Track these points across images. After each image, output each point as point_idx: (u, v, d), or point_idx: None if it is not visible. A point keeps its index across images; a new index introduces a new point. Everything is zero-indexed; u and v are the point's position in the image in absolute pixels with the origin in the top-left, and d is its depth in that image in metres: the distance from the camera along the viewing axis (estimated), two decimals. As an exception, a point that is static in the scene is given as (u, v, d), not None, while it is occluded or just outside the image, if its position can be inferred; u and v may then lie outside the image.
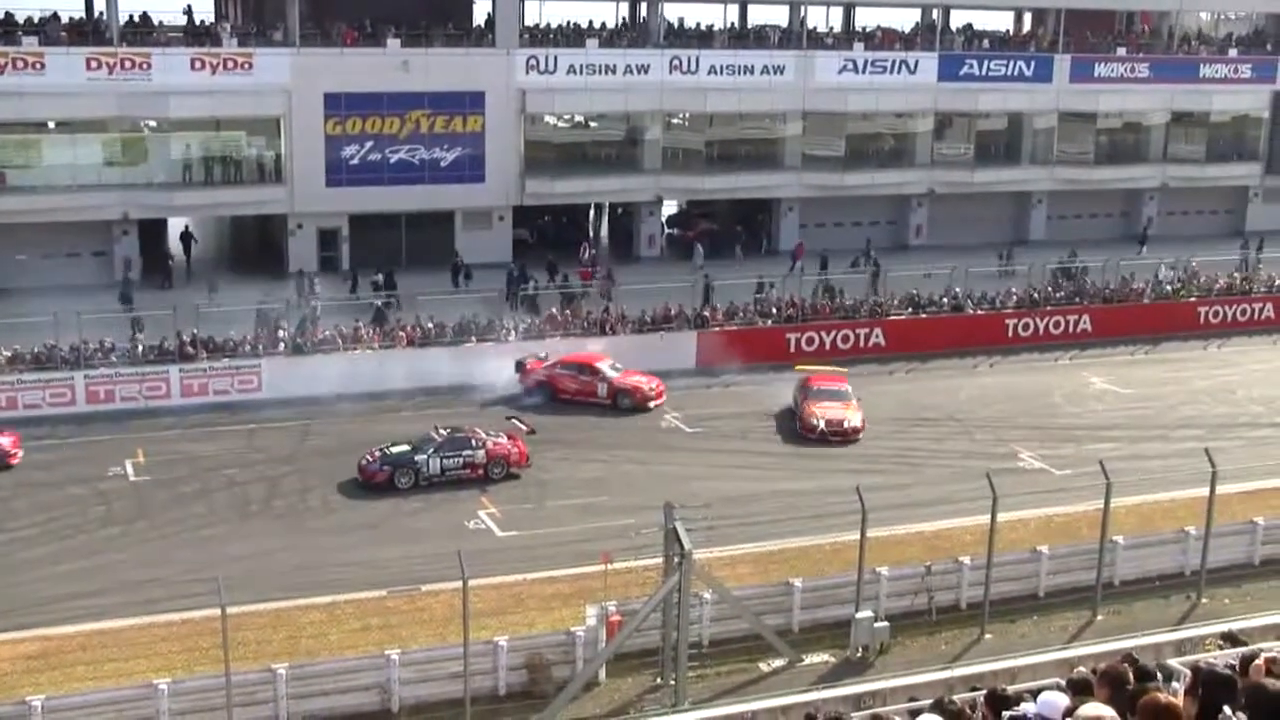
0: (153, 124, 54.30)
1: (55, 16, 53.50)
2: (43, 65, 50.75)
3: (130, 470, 36.56)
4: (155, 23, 54.92)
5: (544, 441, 37.96)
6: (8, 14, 52.66)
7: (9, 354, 40.91)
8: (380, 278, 49.71)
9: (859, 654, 27.02)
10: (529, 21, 60.38)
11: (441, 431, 36.56)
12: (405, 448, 35.95)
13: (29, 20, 52.86)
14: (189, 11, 57.45)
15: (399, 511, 34.16)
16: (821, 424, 39.70)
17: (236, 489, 35.39)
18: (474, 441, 36.20)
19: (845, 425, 39.84)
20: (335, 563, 30.70)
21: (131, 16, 54.15)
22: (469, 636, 24.31)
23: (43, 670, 25.65)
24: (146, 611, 28.17)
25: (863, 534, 27.00)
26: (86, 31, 53.47)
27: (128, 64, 51.81)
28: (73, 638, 27.13)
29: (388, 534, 32.73)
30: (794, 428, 40.54)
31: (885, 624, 27.43)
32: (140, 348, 42.01)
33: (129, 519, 33.39)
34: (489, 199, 57.25)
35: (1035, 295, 51.46)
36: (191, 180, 54.32)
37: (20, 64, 50.51)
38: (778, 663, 26.90)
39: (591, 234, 60.89)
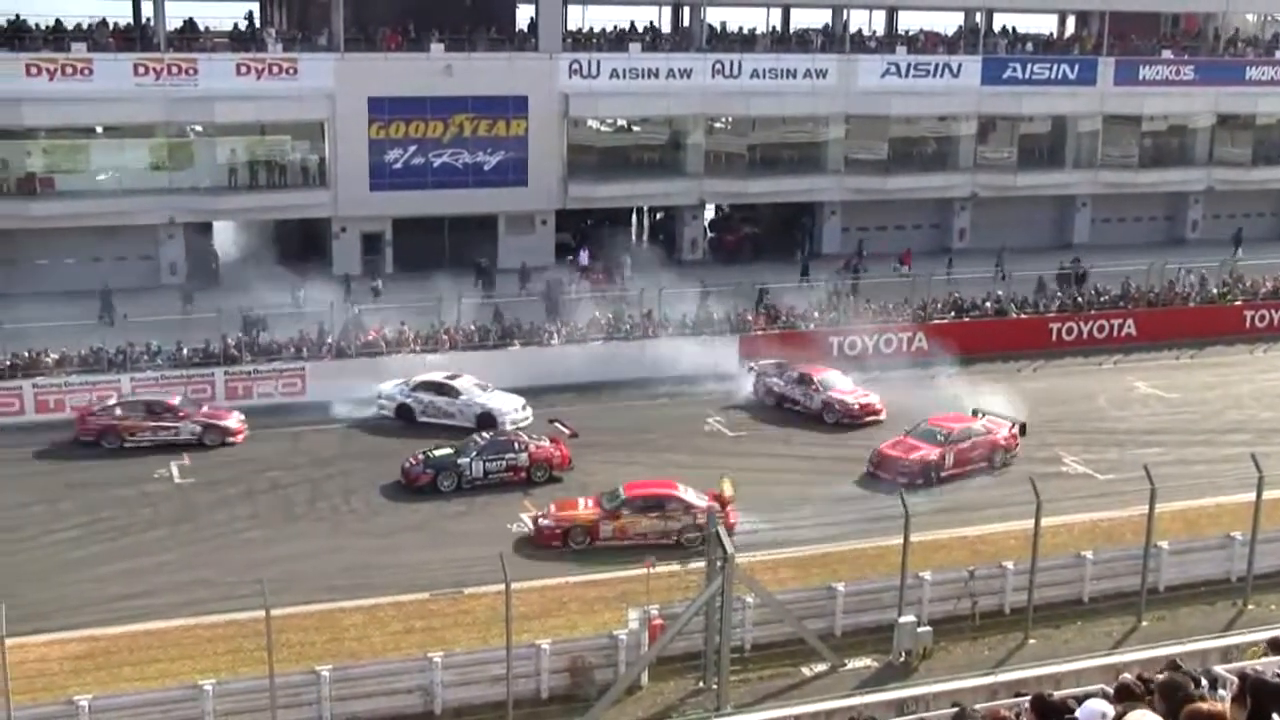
0: (198, 129, 54.78)
1: (104, 23, 54.19)
2: (91, 71, 51.27)
3: (175, 473, 36.86)
4: (201, 29, 55.37)
5: (586, 445, 37.99)
6: (57, 21, 53.30)
7: (57, 356, 41.31)
8: (379, 283, 49.77)
9: (901, 659, 26.94)
10: (572, 26, 60.52)
11: (484, 435, 36.68)
12: (448, 451, 36.09)
13: (78, 27, 53.52)
14: (250, 18, 57.89)
15: (442, 514, 34.31)
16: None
17: (280, 492, 35.62)
18: (517, 445, 36.32)
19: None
20: (378, 565, 30.86)
21: (184, 22, 54.68)
22: (511, 639, 24.39)
23: (90, 670, 25.88)
24: (192, 613, 28.43)
25: (906, 538, 26.93)
26: (134, 38, 54.09)
27: (174, 70, 52.28)
28: (119, 638, 27.40)
29: (430, 537, 32.88)
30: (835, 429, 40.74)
31: (928, 629, 27.36)
32: (185, 350, 42.33)
33: (174, 521, 33.66)
34: (531, 203, 57.40)
35: (1079, 299, 51.16)
36: (236, 185, 54.73)
37: (69, 70, 51.04)
38: (820, 667, 26.85)
39: (583, 238, 60.53)
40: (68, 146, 53.99)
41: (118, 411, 38.90)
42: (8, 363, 40.97)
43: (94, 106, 52.06)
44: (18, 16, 53.26)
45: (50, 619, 27.62)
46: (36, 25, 53.31)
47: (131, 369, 41.24)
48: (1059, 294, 52.34)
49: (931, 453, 36.16)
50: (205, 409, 39.60)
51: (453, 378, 41.49)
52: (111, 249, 52.57)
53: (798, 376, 42.87)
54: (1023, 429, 38.20)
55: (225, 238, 57.81)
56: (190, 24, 55.14)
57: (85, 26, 53.78)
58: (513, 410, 40.47)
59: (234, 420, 39.33)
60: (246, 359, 42.40)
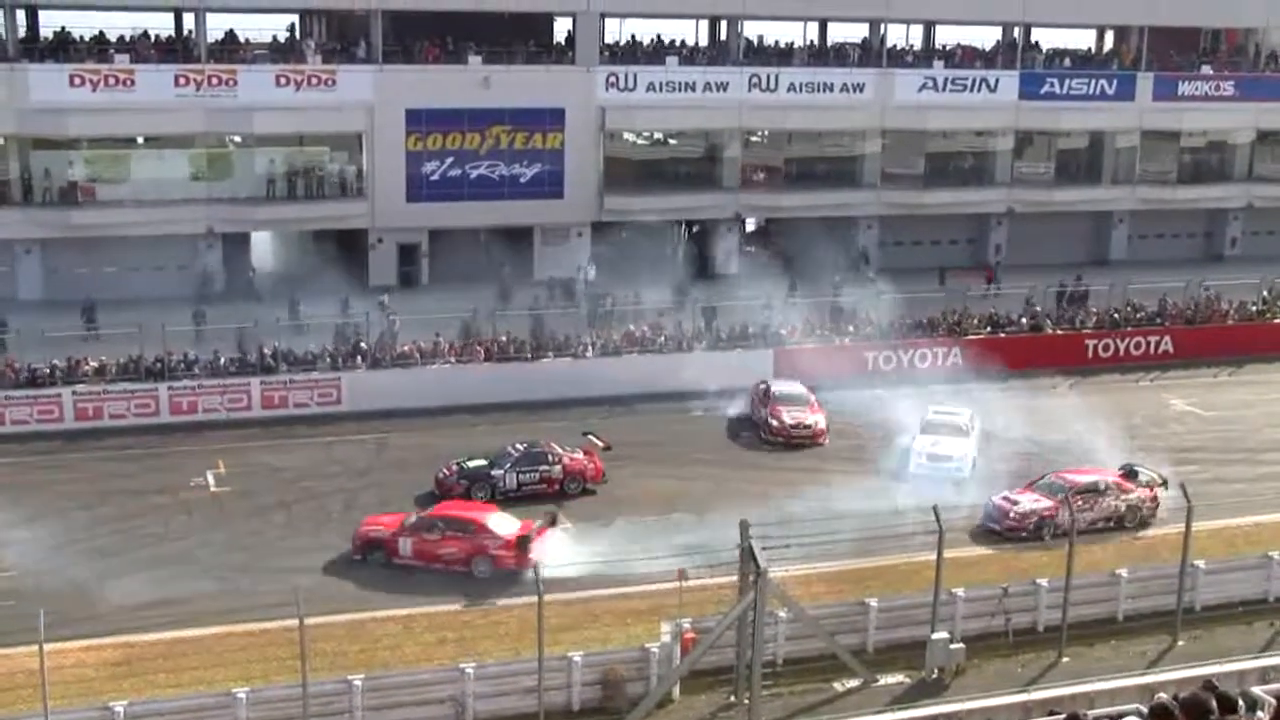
0: (238, 139, 55.14)
1: (146, 35, 54.62)
2: (133, 82, 51.67)
3: (211, 481, 37.11)
4: (241, 40, 55.74)
5: (619, 457, 38.06)
6: (100, 33, 53.76)
7: (96, 364, 41.65)
8: (385, 298, 49.88)
9: (934, 675, 26.87)
10: (609, 39, 60.64)
11: (518, 446, 36.77)
12: (482, 462, 36.20)
13: (120, 38, 53.92)
14: (290, 29, 58.23)
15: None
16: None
17: (315, 501, 35.80)
18: (550, 456, 36.38)
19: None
20: (411, 575, 30.95)
21: (224, 34, 55.10)
22: (543, 651, 24.45)
23: (125, 676, 26.10)
24: (226, 621, 28.61)
25: (939, 554, 26.89)
26: (175, 49, 54.42)
27: (214, 80, 52.64)
28: (154, 645, 27.62)
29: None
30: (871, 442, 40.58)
31: (961, 645, 27.29)
32: (222, 359, 42.62)
33: (210, 529, 33.89)
34: (568, 215, 57.55)
35: (1115, 316, 50.93)
36: (275, 195, 55.03)
37: (112, 81, 51.45)
38: (852, 683, 26.82)
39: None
40: (109, 156, 54.39)
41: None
42: (47, 370, 41.36)
43: (135, 117, 52.41)
44: (63, 29, 53.86)
45: (86, 624, 27.82)
46: (80, 37, 53.78)
47: (169, 378, 41.58)
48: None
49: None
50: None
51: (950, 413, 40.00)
52: (151, 258, 52.98)
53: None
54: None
55: (263, 248, 58.17)
56: (230, 36, 55.46)
57: (128, 38, 54.23)
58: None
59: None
60: (283, 369, 42.65)
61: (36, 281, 52.18)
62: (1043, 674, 27.17)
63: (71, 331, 44.61)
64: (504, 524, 32.18)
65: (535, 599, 23.99)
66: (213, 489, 36.59)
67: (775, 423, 41.12)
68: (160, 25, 56.64)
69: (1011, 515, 33.71)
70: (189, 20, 55.24)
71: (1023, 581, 29.24)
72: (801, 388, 42.86)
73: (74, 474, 37.41)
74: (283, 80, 53.58)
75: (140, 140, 55.06)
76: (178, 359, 42.15)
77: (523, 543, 31.36)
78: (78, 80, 51.24)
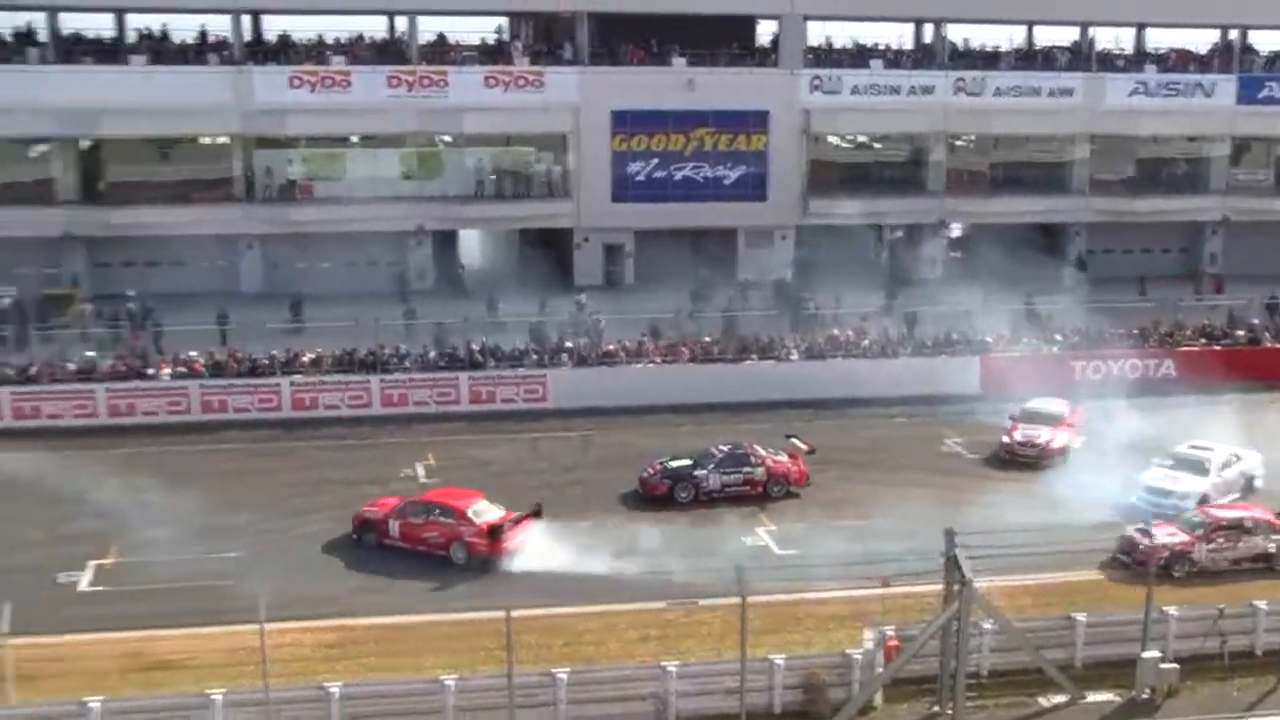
0: (448, 139, 56.43)
1: (361, 38, 56.26)
2: (349, 83, 53.34)
3: (421, 472, 38.04)
4: (452, 43, 57.01)
5: (823, 461, 37.96)
6: (319, 36, 55.56)
7: (312, 356, 43.08)
8: (583, 297, 50.40)
9: (1145, 695, 26.27)
10: (813, 42, 60.48)
11: (722, 447, 36.93)
12: (686, 462, 36.45)
13: (337, 41, 55.65)
14: (499, 32, 59.32)
15: (677, 524, 34.56)
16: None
17: (521, 496, 36.29)
18: (753, 459, 36.47)
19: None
20: (614, 572, 31.27)
21: (435, 36, 56.51)
22: (746, 652, 24.55)
23: (339, 659, 26.98)
24: (436, 609, 29.32)
25: (1150, 572, 26.27)
26: (389, 51, 55.92)
27: (426, 82, 54.01)
28: (367, 629, 28.43)
29: (666, 547, 33.17)
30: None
31: (1174, 665, 26.60)
32: (432, 354, 43.69)
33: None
34: (771, 217, 57.60)
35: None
36: (483, 194, 56.16)
37: (329, 82, 53.20)
38: (1058, 699, 26.37)
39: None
40: (325, 155, 56.20)
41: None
42: (266, 360, 42.92)
43: (351, 117, 54.15)
44: (285, 33, 55.91)
45: (303, 606, 28.70)
46: (300, 40, 55.71)
47: (381, 371, 42.81)
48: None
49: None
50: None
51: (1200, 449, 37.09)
52: (363, 254, 54.53)
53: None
54: None
55: (470, 246, 59.38)
56: (441, 39, 56.86)
57: (344, 41, 55.97)
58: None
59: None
60: (490, 365, 43.54)
61: (257, 275, 54.43)
62: (1261, 700, 26.37)
63: (287, 324, 46.23)
64: (483, 512, 32.76)
65: (737, 600, 24.13)
66: (422, 480, 37.46)
67: (1005, 439, 40.23)
68: (375, 28, 58.41)
69: (1141, 548, 31.51)
70: (401, 23, 56.79)
71: (1240, 604, 28.36)
72: (1060, 405, 41.30)
73: (291, 462, 38.77)
74: (491, 81, 54.69)
75: (355, 139, 56.76)
76: (389, 353, 43.34)
77: (494, 532, 32.01)
78: (297, 82, 53.16)
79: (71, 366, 42.76)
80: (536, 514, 33.36)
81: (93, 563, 31.52)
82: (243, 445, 40.04)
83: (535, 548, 32.25)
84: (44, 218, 52.47)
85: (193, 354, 43.40)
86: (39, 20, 53.81)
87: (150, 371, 42.74)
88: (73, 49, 54.01)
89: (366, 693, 24.92)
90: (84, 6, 53.62)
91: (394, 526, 32.89)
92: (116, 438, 40.54)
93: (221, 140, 54.72)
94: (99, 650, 27.26)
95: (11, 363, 42.99)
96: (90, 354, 43.63)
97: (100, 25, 55.88)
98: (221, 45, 54.72)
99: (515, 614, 24.34)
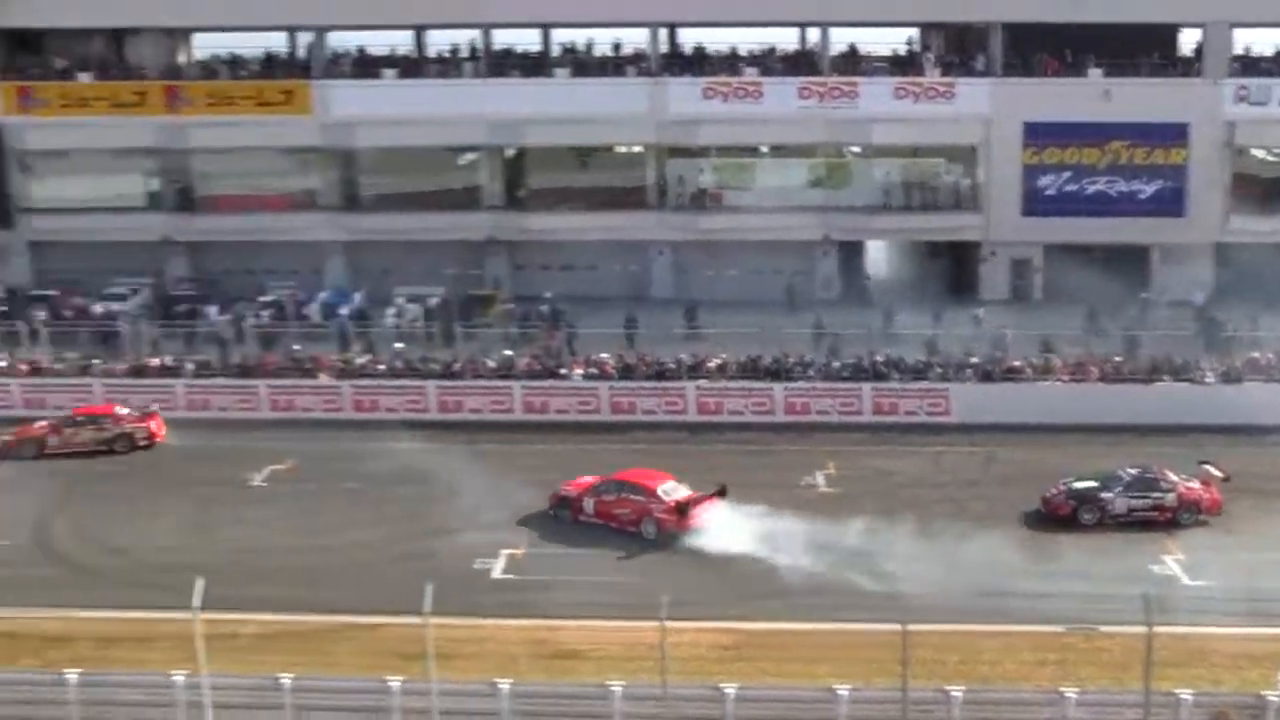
0: (856, 150, 56.71)
1: (772, 50, 57.18)
2: (761, 94, 54.39)
3: (821, 481, 38.40)
4: (863, 53, 57.18)
5: (1238, 490, 36.16)
6: (732, 48, 56.81)
7: (718, 362, 44.14)
8: (980, 312, 49.23)
9: None
10: (1238, 50, 57.55)
11: (1130, 470, 35.72)
12: (1092, 483, 35.44)
13: (749, 53, 56.75)
14: (909, 43, 59.17)
15: (1080, 547, 33.73)
16: None
17: (919, 509, 36.18)
18: (1164, 484, 35.13)
19: None
20: (1013, 591, 30.76)
21: (847, 47, 56.90)
22: (1150, 685, 23.73)
23: (733, 660, 27.61)
24: (830, 618, 29.52)
25: None
26: (800, 62, 56.61)
27: (836, 93, 54.47)
28: (763, 633, 28.99)
29: (1068, 569, 32.38)
30: None
31: None
32: (835, 364, 44.02)
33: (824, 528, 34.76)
34: (1187, 234, 55.12)
35: None
36: (891, 205, 56.09)
37: (741, 93, 54.34)
38: None
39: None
40: (735, 164, 57.43)
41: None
42: (673, 365, 44.24)
43: (761, 127, 55.14)
44: (699, 45, 57.45)
45: (697, 609, 29.32)
46: (714, 53, 57.13)
47: (785, 379, 43.45)
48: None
49: None
50: None
51: None
52: (768, 262, 55.38)
53: None
54: None
55: (875, 256, 59.41)
56: (852, 50, 57.10)
57: (756, 53, 57.01)
58: None
59: None
60: (894, 377, 43.52)
61: (667, 281, 56.12)
62: None
63: (687, 329, 47.44)
64: (671, 491, 34.57)
65: (1141, 629, 23.35)
66: (822, 489, 37.82)
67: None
68: (786, 40, 59.12)
69: None
70: (813, 35, 57.36)
71: None
72: None
73: (695, 464, 39.36)
74: (902, 92, 54.65)
75: (764, 149, 57.71)
76: (794, 361, 43.93)
77: (682, 508, 33.94)
78: (710, 93, 54.60)
79: (491, 364, 45.23)
80: (721, 494, 34.78)
81: (505, 551, 33.32)
82: (649, 446, 41.18)
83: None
84: (470, 222, 55.83)
85: (604, 356, 45.20)
86: (472, 37, 57.12)
87: (563, 371, 44.74)
88: (502, 63, 57.04)
89: (760, 695, 25.19)
90: (514, 23, 56.41)
91: (589, 504, 35.14)
92: (530, 433, 42.70)
93: (636, 149, 56.71)
94: (509, 635, 28.87)
95: (438, 358, 45.81)
96: (508, 352, 45.99)
97: (527, 40, 58.82)
98: (639, 57, 56.61)
99: (911, 628, 24.30)
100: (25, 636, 28.60)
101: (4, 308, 53.27)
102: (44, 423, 41.83)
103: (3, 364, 46.27)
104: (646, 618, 25.32)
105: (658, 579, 29.72)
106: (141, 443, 41.74)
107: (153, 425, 42.08)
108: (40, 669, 26.46)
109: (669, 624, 24.47)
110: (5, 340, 48.25)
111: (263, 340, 48.64)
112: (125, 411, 42.18)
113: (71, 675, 25.32)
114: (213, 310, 52.14)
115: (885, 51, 58.52)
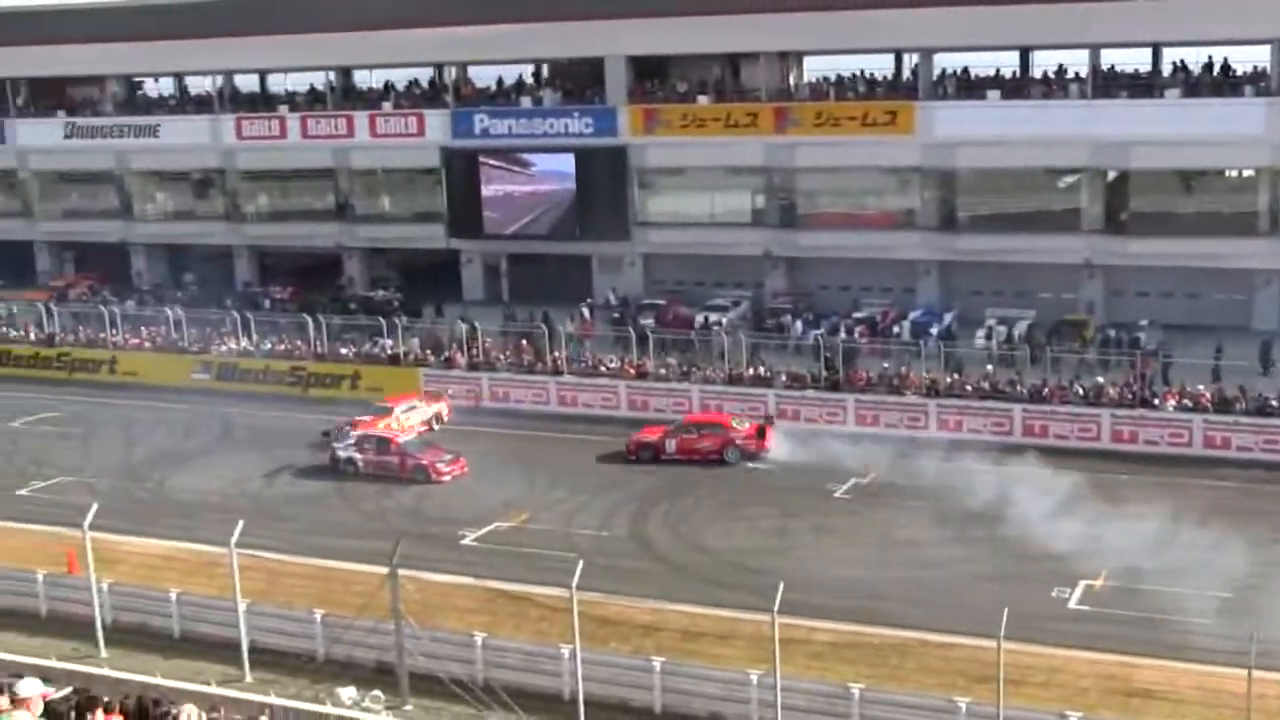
0: None
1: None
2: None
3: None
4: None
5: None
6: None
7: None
8: None
9: None
10: None
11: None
12: None
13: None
14: None
15: None
16: None
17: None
18: None
19: None
20: None
21: None
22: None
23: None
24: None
25: None
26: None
27: None
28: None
29: None
30: None
31: None
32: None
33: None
34: None
35: None
36: None
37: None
38: None
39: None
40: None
41: None
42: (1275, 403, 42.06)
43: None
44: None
45: None
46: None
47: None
48: None
49: None
50: None
51: None
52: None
53: None
54: None
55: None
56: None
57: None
58: None
59: None
60: None
61: (1272, 312, 53.01)
62: None
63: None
64: (742, 422, 43.47)
65: None
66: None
67: None
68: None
69: None
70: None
71: None
72: None
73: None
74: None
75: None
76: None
77: (760, 433, 42.87)
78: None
79: (1080, 390, 44.55)
80: (769, 422, 43.72)
81: (1084, 582, 32.83)
82: (1239, 485, 39.53)
83: None
84: (1067, 245, 55.06)
85: (1199, 388, 43.54)
86: (1078, 57, 56.48)
87: (1156, 401, 43.43)
88: (1109, 83, 55.97)
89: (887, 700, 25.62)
90: (1122, 42, 55.23)
91: (670, 444, 42.95)
92: (1119, 462, 41.70)
93: (1248, 173, 54.05)
94: (1080, 667, 28.49)
95: (1026, 381, 45.57)
96: (1099, 379, 45.20)
97: (1136, 60, 57.57)
98: (1257, 76, 54.20)
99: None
100: (618, 622, 31.08)
101: (617, 314, 57.72)
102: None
103: (614, 366, 50.01)
104: (1231, 664, 24.50)
105: (1245, 622, 28.06)
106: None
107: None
108: (630, 654, 28.76)
109: (1256, 674, 23.55)
110: (616, 344, 52.06)
111: (850, 355, 49.74)
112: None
113: (655, 663, 27.52)
114: (798, 324, 54.56)
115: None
